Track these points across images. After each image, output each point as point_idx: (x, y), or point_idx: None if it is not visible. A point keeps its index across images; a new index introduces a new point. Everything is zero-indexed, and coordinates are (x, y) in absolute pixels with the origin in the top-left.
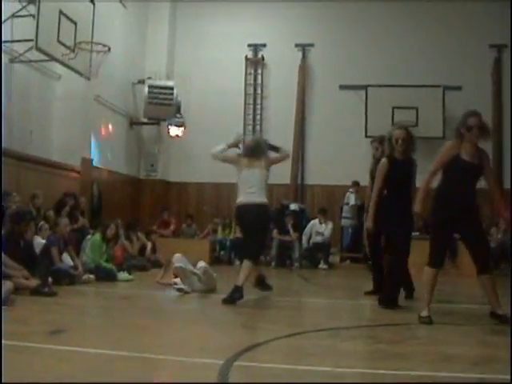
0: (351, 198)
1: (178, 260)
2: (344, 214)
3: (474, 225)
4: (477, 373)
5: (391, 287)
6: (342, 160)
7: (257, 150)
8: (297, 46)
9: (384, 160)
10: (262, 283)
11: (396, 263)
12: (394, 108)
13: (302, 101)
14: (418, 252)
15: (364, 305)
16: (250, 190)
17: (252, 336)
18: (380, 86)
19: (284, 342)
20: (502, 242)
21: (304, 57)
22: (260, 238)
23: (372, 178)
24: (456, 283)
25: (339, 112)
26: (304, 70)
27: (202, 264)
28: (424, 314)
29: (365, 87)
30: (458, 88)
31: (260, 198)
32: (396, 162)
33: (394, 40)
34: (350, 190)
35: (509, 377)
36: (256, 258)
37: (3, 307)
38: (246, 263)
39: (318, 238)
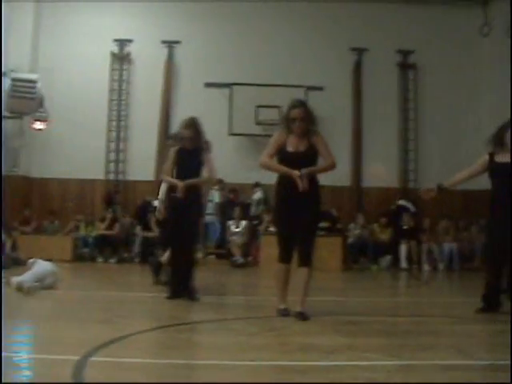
0: (215, 196)
1: (30, 264)
2: (209, 211)
3: (305, 217)
4: (333, 360)
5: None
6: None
7: None
8: (163, 42)
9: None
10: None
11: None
12: (257, 107)
13: (167, 98)
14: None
15: (222, 299)
16: None
17: (110, 331)
18: (244, 84)
19: (142, 337)
20: (360, 237)
21: (170, 54)
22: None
23: None
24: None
25: (204, 110)
26: (170, 67)
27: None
28: (281, 306)
29: (230, 85)
30: (320, 88)
31: None
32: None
33: (259, 39)
34: (215, 187)
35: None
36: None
37: None
38: None
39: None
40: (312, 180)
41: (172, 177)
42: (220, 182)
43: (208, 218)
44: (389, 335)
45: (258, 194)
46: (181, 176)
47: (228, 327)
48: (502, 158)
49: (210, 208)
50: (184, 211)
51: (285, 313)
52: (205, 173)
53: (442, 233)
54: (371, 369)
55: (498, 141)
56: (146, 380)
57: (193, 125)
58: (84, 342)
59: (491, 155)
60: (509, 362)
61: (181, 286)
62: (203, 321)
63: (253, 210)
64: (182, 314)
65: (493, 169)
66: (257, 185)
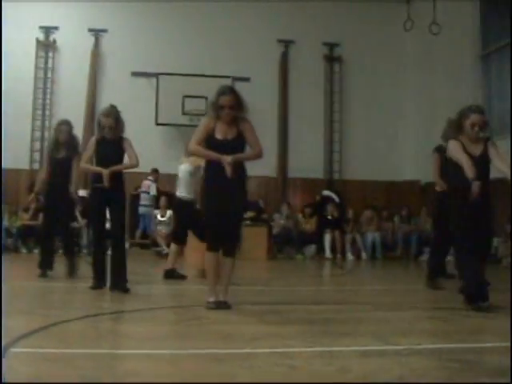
0: (152, 187)
1: None
2: (142, 202)
3: (230, 206)
4: (254, 348)
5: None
6: (135, 148)
7: None
8: (90, 30)
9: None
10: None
11: None
12: (184, 97)
13: (93, 87)
14: None
15: (147, 289)
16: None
17: (32, 322)
18: (171, 74)
19: (65, 327)
20: (285, 227)
21: (97, 42)
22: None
23: None
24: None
25: (131, 99)
26: (96, 56)
27: None
28: (211, 299)
29: (156, 75)
30: (247, 79)
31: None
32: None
33: (187, 30)
34: (149, 177)
35: None
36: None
37: None
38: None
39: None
40: (239, 168)
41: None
42: (155, 172)
43: (143, 210)
44: (310, 323)
45: None
46: (101, 166)
47: (152, 316)
48: (474, 150)
49: (147, 199)
50: (109, 200)
51: (214, 306)
52: (126, 159)
53: (366, 223)
54: (291, 356)
55: (457, 127)
56: (67, 370)
57: (112, 113)
58: (5, 332)
59: (462, 144)
60: (422, 347)
61: (105, 276)
62: (128, 310)
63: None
64: (106, 304)
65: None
66: None
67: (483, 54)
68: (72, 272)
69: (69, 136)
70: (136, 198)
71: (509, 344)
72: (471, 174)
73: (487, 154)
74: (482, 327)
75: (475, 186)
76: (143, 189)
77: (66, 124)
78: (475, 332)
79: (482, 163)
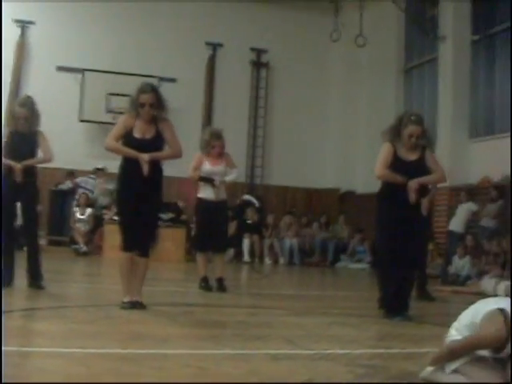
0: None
1: None
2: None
3: (146, 206)
4: (165, 348)
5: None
6: (57, 144)
7: None
8: (16, 21)
9: None
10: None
11: None
12: (109, 94)
13: (17, 79)
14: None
15: (62, 287)
16: None
17: None
18: (97, 71)
19: None
20: None
21: (23, 34)
22: None
23: None
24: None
25: (55, 94)
26: (22, 48)
27: None
28: (126, 299)
29: (82, 71)
30: (173, 80)
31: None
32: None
33: (116, 28)
34: (92, 176)
35: None
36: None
37: None
38: None
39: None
40: (156, 167)
41: None
42: (101, 170)
43: None
44: (223, 326)
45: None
46: (13, 159)
47: (63, 315)
48: (406, 155)
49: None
50: (20, 195)
51: (129, 306)
52: (40, 153)
53: (285, 228)
54: (202, 357)
55: (395, 132)
56: None
57: (27, 104)
58: None
59: (394, 148)
60: (331, 351)
61: (13, 273)
62: (39, 308)
63: (100, 200)
64: (18, 301)
65: (396, 165)
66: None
67: (406, 68)
68: None
69: None
70: (56, 194)
71: (415, 351)
72: (377, 172)
73: (423, 161)
74: (391, 334)
75: (410, 186)
76: (82, 184)
77: None
78: (384, 339)
79: (417, 168)
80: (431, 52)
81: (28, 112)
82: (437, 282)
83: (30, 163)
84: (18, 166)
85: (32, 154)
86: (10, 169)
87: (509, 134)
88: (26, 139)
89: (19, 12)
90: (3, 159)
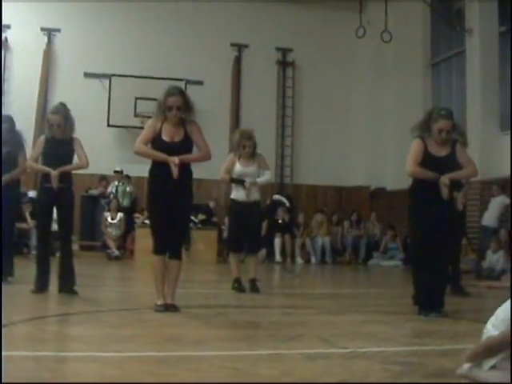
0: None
1: None
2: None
3: (177, 209)
4: (200, 350)
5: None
6: (86, 149)
7: None
8: (43, 29)
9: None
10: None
11: None
12: (136, 98)
13: (45, 87)
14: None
15: (94, 291)
16: None
17: None
18: (124, 76)
19: (7, 330)
20: None
21: (50, 42)
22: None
23: None
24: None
25: (83, 100)
26: (49, 55)
27: None
28: (159, 302)
29: (109, 76)
30: (200, 83)
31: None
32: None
33: (141, 31)
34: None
35: None
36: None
37: None
38: None
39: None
40: (185, 170)
41: None
42: (119, 173)
43: None
44: (257, 326)
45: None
46: (49, 167)
47: (98, 319)
48: (437, 150)
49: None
50: (57, 201)
51: (162, 309)
52: (76, 159)
53: (316, 227)
54: (237, 359)
55: (425, 127)
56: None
57: (61, 111)
58: None
59: (424, 144)
60: (366, 350)
61: (48, 278)
62: (74, 313)
63: (125, 203)
64: (52, 306)
65: (427, 161)
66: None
67: (433, 62)
68: (5, 278)
69: (11, 133)
70: (87, 199)
71: (451, 347)
72: (409, 169)
73: (454, 156)
74: (426, 331)
75: (442, 182)
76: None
77: (6, 121)
78: (419, 335)
79: (448, 164)
80: (458, 45)
81: (62, 119)
82: (470, 278)
83: (67, 169)
84: (54, 172)
85: (68, 160)
86: (47, 175)
87: None
88: (61, 146)
89: (45, 20)
90: (40, 166)
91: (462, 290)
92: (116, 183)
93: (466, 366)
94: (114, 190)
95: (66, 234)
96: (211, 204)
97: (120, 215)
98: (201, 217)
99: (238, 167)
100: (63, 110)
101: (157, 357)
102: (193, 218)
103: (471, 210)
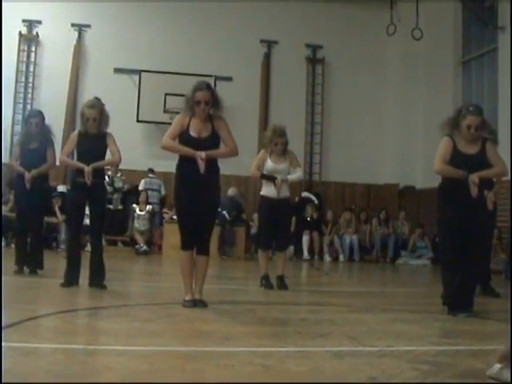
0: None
1: None
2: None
3: (204, 204)
4: (228, 346)
5: None
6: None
7: None
8: (73, 25)
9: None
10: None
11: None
12: (166, 94)
13: (75, 82)
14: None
15: (123, 285)
16: None
17: (6, 316)
18: (154, 72)
19: (37, 322)
20: None
21: (80, 37)
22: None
23: None
24: (216, 265)
25: (113, 95)
26: (79, 51)
27: None
28: (187, 297)
29: (139, 72)
30: (229, 79)
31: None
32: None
33: (171, 28)
34: (150, 175)
35: None
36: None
37: None
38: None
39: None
40: (212, 165)
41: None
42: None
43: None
44: (285, 323)
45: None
46: (83, 161)
47: (126, 313)
48: (466, 148)
49: (155, 197)
50: (89, 196)
51: (190, 304)
52: (109, 155)
53: (344, 225)
54: (265, 355)
55: (454, 124)
56: (40, 365)
57: (96, 105)
58: None
59: (453, 142)
60: (394, 348)
61: (78, 273)
62: (103, 307)
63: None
64: (81, 300)
65: (456, 159)
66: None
67: (464, 60)
68: (34, 270)
69: (40, 127)
70: None
71: (480, 347)
72: (436, 167)
73: (484, 153)
74: (455, 330)
75: (471, 180)
76: (148, 186)
77: (35, 116)
78: (448, 335)
79: (478, 162)
80: (490, 43)
81: (97, 113)
82: (500, 278)
83: (100, 165)
84: (88, 168)
85: (101, 155)
86: (80, 170)
87: None
88: (95, 140)
89: (75, 16)
90: (74, 161)
91: (492, 291)
92: (152, 179)
93: (497, 366)
94: (145, 187)
95: (97, 229)
96: (240, 201)
97: (149, 207)
98: (233, 213)
99: (270, 164)
100: (99, 105)
101: (184, 352)
102: (225, 213)
103: (502, 210)
